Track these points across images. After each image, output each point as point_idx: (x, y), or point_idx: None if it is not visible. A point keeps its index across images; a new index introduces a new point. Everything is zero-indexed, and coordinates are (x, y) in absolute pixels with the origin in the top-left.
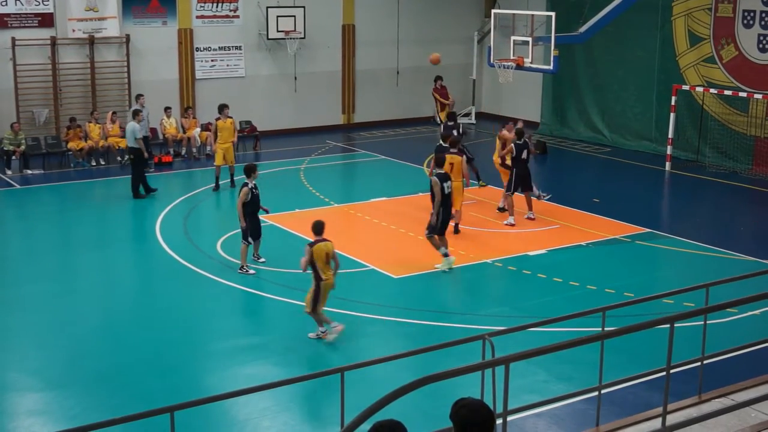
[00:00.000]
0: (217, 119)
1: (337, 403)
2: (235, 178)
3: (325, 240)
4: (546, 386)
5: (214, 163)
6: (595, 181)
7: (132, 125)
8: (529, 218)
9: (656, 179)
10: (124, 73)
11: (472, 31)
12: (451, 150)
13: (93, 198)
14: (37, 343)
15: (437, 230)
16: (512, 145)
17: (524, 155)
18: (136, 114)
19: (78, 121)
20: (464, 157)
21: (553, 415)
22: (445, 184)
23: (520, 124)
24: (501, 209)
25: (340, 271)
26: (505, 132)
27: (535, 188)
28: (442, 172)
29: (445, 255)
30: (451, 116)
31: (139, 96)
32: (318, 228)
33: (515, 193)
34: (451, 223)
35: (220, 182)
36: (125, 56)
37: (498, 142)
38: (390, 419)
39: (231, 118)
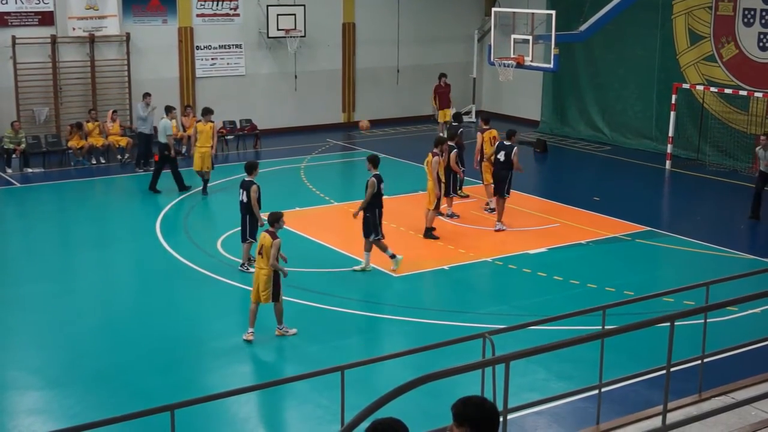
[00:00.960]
0: (198, 122)
1: (337, 402)
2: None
3: (269, 233)
4: (546, 384)
5: (193, 168)
6: (595, 179)
7: (165, 122)
8: (490, 212)
9: (656, 177)
10: (124, 71)
11: (472, 29)
12: (434, 150)
13: (93, 196)
14: (37, 342)
15: (378, 232)
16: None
17: (500, 156)
18: (168, 111)
19: (80, 121)
20: (437, 157)
21: (554, 413)
22: (381, 185)
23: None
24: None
25: (341, 269)
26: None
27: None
28: (378, 173)
29: (394, 257)
30: (457, 116)
31: (145, 95)
32: (269, 219)
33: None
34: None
35: (203, 186)
36: (125, 55)
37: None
38: (390, 417)
39: (212, 122)
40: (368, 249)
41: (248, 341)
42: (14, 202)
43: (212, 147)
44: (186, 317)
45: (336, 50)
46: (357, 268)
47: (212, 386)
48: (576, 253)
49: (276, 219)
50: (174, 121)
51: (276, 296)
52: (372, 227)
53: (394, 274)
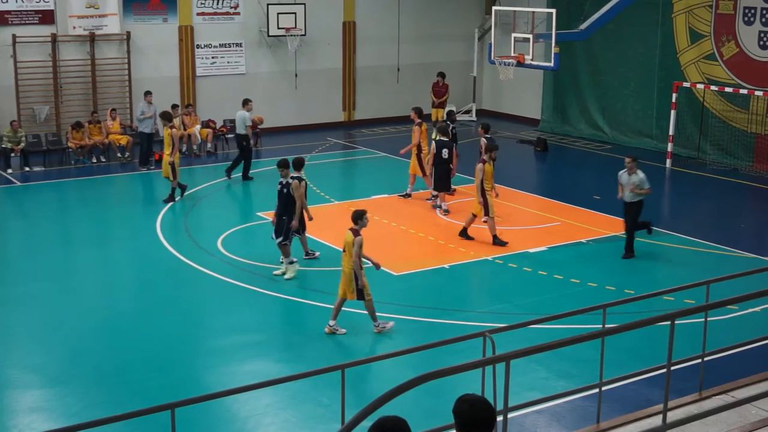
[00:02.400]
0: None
1: (338, 400)
2: (181, 194)
3: (351, 231)
4: (547, 383)
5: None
6: (595, 178)
7: (242, 113)
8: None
9: (657, 176)
10: (124, 70)
11: (472, 28)
12: (483, 157)
13: (93, 195)
14: (37, 341)
15: (288, 236)
16: (434, 143)
17: (444, 153)
18: (246, 102)
19: (80, 120)
20: (480, 164)
21: (554, 412)
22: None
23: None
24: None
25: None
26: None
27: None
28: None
29: (292, 262)
30: (450, 115)
31: (147, 93)
32: (352, 216)
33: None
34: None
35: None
36: (126, 53)
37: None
38: (391, 416)
39: (171, 129)
40: (286, 254)
41: (328, 333)
42: (14, 201)
43: (171, 155)
44: (186, 316)
45: (336, 49)
46: (277, 272)
47: (212, 385)
48: (576, 252)
49: (359, 216)
50: (177, 119)
51: (361, 294)
52: (285, 230)
53: (394, 274)
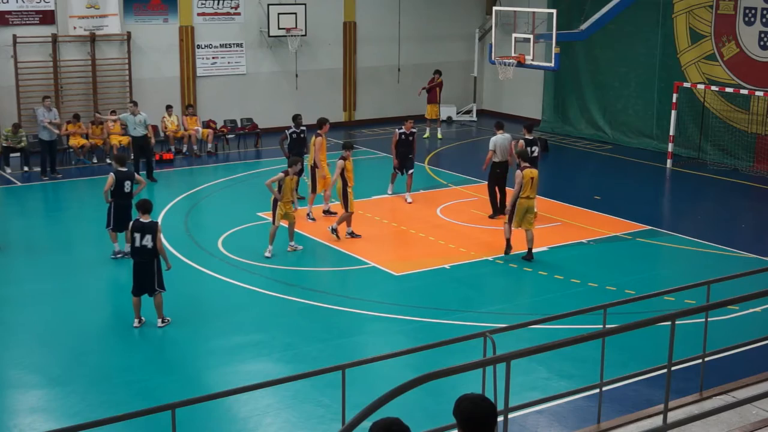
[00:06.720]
0: None
1: (338, 401)
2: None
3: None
4: (547, 383)
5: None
6: (596, 178)
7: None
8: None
9: (657, 176)
10: (125, 70)
11: (473, 28)
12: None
13: (94, 195)
14: (38, 341)
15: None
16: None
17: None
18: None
19: (81, 120)
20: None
21: (555, 412)
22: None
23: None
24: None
25: (342, 268)
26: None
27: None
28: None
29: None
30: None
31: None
32: None
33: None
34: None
35: None
36: (126, 54)
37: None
38: (390, 417)
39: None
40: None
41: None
42: (15, 200)
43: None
44: (187, 316)
45: (337, 49)
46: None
47: (213, 385)
48: (577, 252)
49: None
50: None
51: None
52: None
53: (394, 274)
